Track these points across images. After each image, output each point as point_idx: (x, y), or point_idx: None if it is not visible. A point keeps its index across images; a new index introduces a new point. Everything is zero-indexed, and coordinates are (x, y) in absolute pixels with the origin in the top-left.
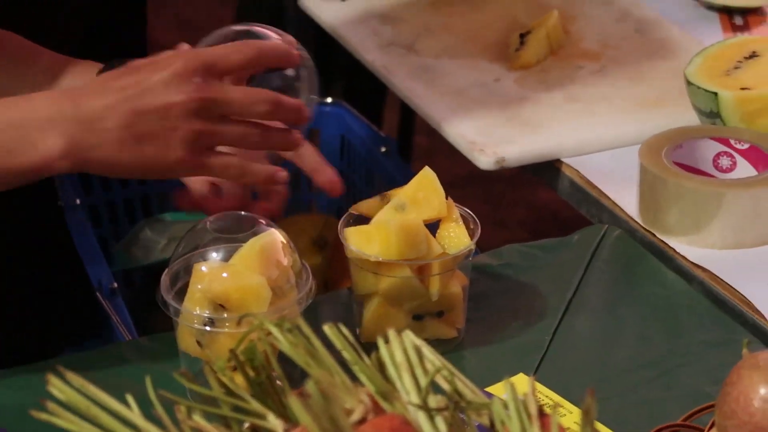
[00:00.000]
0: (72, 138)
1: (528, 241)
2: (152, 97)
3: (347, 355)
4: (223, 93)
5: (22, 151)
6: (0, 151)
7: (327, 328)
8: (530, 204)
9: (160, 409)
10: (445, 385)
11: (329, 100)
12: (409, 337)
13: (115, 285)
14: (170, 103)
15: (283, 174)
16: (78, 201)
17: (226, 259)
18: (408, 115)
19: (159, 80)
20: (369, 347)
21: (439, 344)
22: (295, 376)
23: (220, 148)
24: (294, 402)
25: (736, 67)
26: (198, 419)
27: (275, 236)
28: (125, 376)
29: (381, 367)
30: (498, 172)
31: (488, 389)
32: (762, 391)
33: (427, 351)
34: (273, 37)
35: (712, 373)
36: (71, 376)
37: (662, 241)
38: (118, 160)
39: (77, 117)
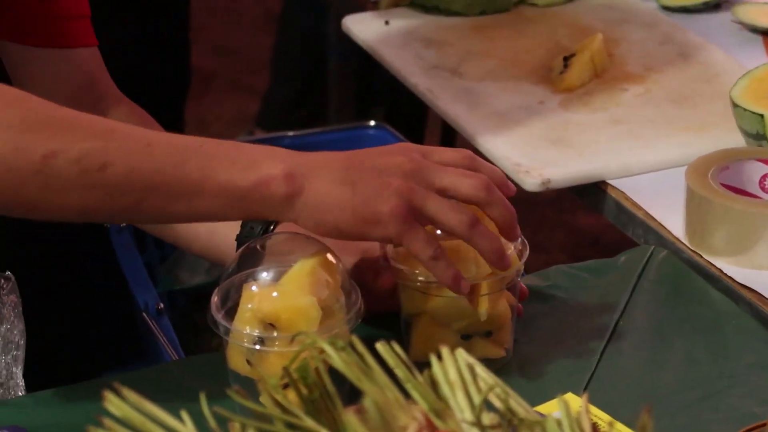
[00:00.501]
0: (292, 167)
1: None
2: (377, 158)
3: (400, 372)
4: (438, 167)
5: (245, 165)
6: (224, 161)
7: (379, 346)
8: (571, 228)
9: (214, 425)
10: (498, 404)
11: (372, 123)
12: (462, 355)
13: (161, 306)
14: (388, 162)
15: (466, 287)
16: (124, 223)
17: (277, 279)
18: (449, 138)
19: (376, 151)
20: (418, 367)
21: (486, 364)
22: (344, 394)
23: None
24: (350, 418)
25: None
26: None
27: (325, 256)
28: (175, 394)
29: (433, 384)
30: (539, 195)
31: (537, 409)
32: None
33: (480, 369)
34: None
35: (759, 393)
36: (127, 392)
37: (709, 261)
38: (331, 196)
39: (298, 156)
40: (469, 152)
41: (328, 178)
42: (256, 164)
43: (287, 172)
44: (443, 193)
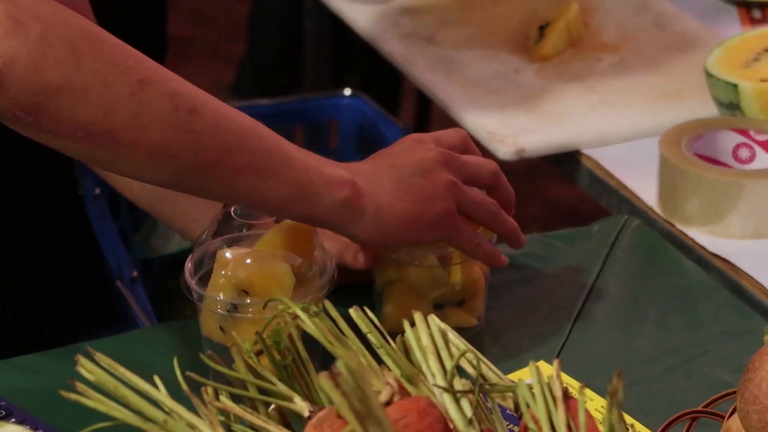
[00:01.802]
0: (354, 175)
1: None
2: (408, 157)
3: (373, 338)
4: (459, 156)
5: (319, 163)
6: (299, 152)
7: (353, 312)
8: (545, 199)
9: (187, 389)
10: (470, 370)
11: (347, 91)
12: (435, 321)
13: (135, 273)
14: (423, 157)
15: (505, 260)
16: (98, 191)
17: (250, 245)
18: (425, 106)
19: (404, 151)
20: (392, 337)
21: (460, 332)
22: (317, 361)
23: None
24: (324, 382)
25: (756, 59)
26: (225, 400)
27: (299, 223)
28: (148, 360)
29: (406, 351)
30: (511, 165)
31: (509, 376)
32: None
33: (452, 335)
34: None
35: (731, 361)
36: (100, 357)
37: (681, 231)
38: (396, 208)
39: (355, 168)
40: (464, 133)
41: (385, 188)
42: (328, 165)
43: (353, 181)
44: (466, 181)
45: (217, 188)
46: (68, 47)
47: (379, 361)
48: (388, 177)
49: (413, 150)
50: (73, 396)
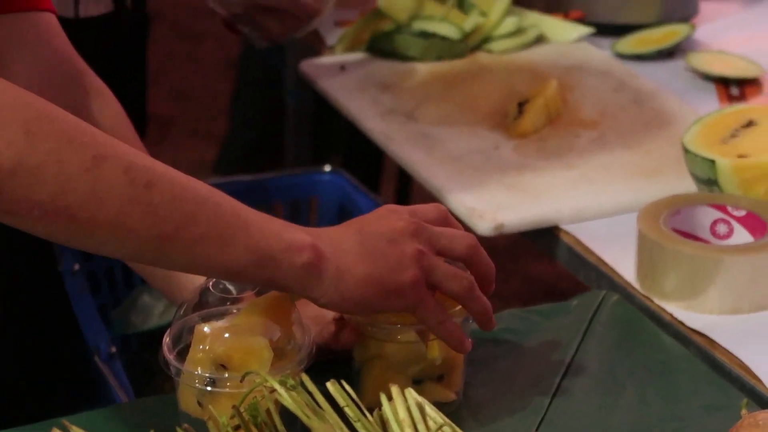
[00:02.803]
0: (316, 239)
1: None
2: (377, 224)
3: (350, 411)
4: (432, 227)
5: (279, 227)
6: (258, 217)
7: (330, 385)
8: (525, 275)
9: None
10: None
11: (327, 168)
12: (412, 394)
13: (114, 349)
14: (393, 226)
15: (469, 345)
16: (77, 266)
17: (229, 319)
18: (405, 182)
19: (374, 219)
20: (370, 412)
21: (438, 407)
22: None
23: None
24: None
25: (733, 136)
26: None
27: (277, 297)
28: None
29: (383, 424)
30: (493, 242)
31: None
32: None
33: (430, 409)
34: None
35: None
36: (76, 430)
37: (660, 306)
38: (357, 271)
39: (315, 231)
40: (443, 208)
41: (348, 252)
42: (288, 229)
43: (314, 244)
44: (440, 253)
45: (177, 259)
46: (21, 127)
47: None
48: (353, 241)
49: (384, 218)
50: None
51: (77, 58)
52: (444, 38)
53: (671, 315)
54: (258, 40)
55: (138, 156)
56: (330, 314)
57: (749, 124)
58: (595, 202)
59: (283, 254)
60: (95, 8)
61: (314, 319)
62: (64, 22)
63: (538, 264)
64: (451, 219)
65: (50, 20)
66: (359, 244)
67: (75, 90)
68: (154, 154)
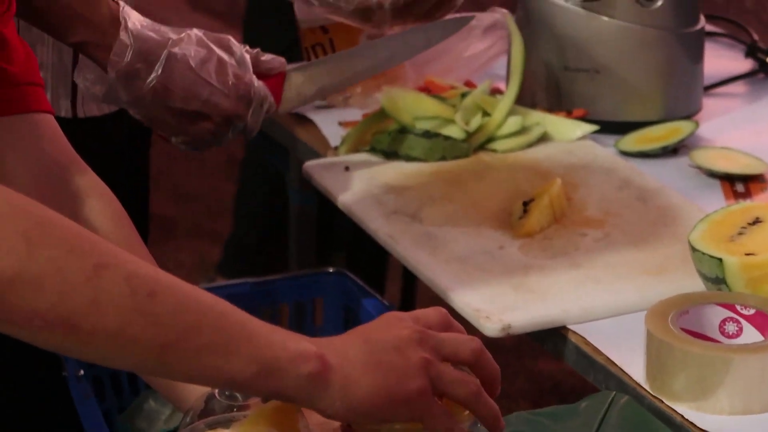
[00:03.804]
0: (321, 349)
1: None
2: (382, 333)
3: None
4: (436, 333)
5: (283, 336)
6: (263, 327)
7: None
8: (532, 374)
9: None
10: None
11: (331, 269)
12: None
13: None
14: (398, 335)
15: None
16: (82, 372)
17: (235, 427)
18: (410, 283)
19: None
20: None
21: None
22: None
23: None
24: None
25: (740, 233)
26: None
27: (283, 404)
28: None
29: None
30: (499, 341)
31: None
32: None
33: None
34: None
35: None
36: None
37: (670, 407)
38: (365, 381)
39: (323, 342)
40: (444, 311)
41: (354, 362)
42: (293, 339)
43: (320, 354)
44: (446, 359)
45: (180, 369)
46: (21, 235)
47: None
48: (359, 351)
49: (389, 326)
50: None
51: (77, 159)
52: (447, 138)
53: (682, 416)
54: (181, 145)
55: (140, 264)
56: (336, 422)
57: (756, 221)
58: (602, 301)
59: (289, 363)
60: (97, 108)
61: (321, 426)
62: (64, 121)
63: (545, 361)
64: (453, 322)
65: (48, 122)
66: (365, 354)
67: (75, 193)
68: (157, 254)
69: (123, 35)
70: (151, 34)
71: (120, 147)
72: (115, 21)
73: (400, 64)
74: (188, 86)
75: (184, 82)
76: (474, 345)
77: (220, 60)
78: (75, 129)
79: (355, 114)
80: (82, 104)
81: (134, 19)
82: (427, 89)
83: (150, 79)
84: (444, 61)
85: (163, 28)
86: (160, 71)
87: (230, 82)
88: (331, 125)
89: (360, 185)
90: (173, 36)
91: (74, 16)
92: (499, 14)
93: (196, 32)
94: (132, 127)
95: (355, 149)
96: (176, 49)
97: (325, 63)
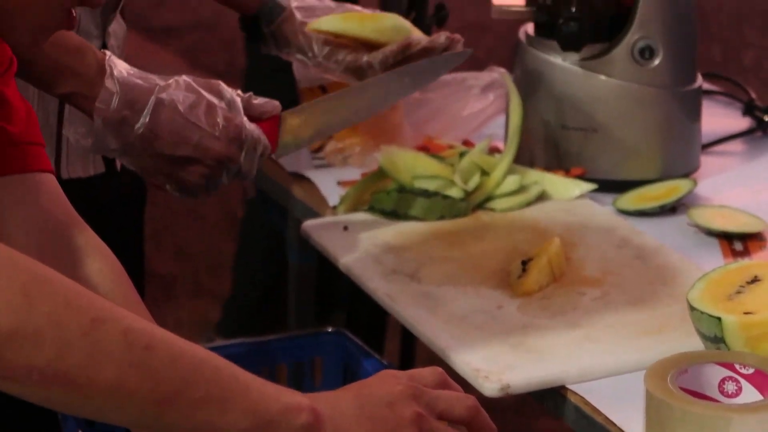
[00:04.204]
0: (314, 402)
1: None
2: (375, 388)
3: None
4: (431, 390)
5: (275, 390)
6: (255, 381)
7: None
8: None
9: None
10: None
11: (330, 329)
12: None
13: None
14: (391, 390)
15: None
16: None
17: None
18: (409, 342)
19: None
20: None
21: None
22: None
23: None
24: None
25: (739, 292)
26: None
27: None
28: None
29: None
30: (498, 401)
31: None
32: None
33: None
34: None
35: None
36: None
37: None
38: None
39: (316, 396)
40: (441, 371)
41: (346, 415)
42: (283, 392)
43: (312, 407)
44: (440, 416)
45: (177, 423)
46: (20, 290)
47: None
48: (352, 404)
49: (383, 383)
50: None
51: (77, 218)
52: (446, 197)
53: None
54: (175, 192)
55: (136, 319)
56: None
57: (754, 280)
58: (601, 361)
59: (282, 416)
60: (82, 169)
61: None
62: None
63: (545, 420)
64: (450, 382)
65: (49, 181)
66: (358, 408)
67: (74, 251)
68: (157, 313)
69: (108, 83)
70: (138, 81)
71: (108, 209)
72: (102, 71)
73: (399, 122)
74: (177, 131)
75: (173, 126)
76: (469, 402)
77: (209, 104)
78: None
79: (353, 173)
80: (66, 165)
81: (120, 67)
82: (426, 148)
83: (137, 125)
84: (442, 120)
85: (151, 76)
86: (147, 118)
87: (220, 125)
88: (329, 184)
89: (359, 244)
90: (160, 82)
91: (62, 68)
92: (497, 73)
93: (184, 78)
94: (121, 189)
95: (354, 208)
96: (164, 95)
97: (320, 104)
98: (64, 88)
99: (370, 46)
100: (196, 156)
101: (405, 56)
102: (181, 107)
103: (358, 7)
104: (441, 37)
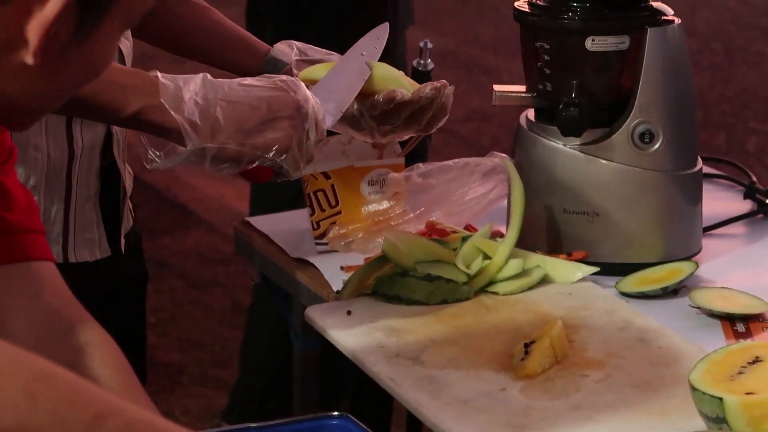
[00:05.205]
0: None
1: None
2: None
3: None
4: None
5: None
6: None
7: None
8: None
9: None
10: None
11: (335, 413)
12: None
13: None
14: None
15: None
16: None
17: None
18: (415, 426)
19: None
20: None
21: None
22: None
23: None
24: None
25: (740, 372)
26: None
27: None
28: None
29: None
30: None
31: None
32: None
33: None
34: None
35: None
36: None
37: None
38: None
39: None
40: None
41: None
42: None
43: None
44: None
45: None
46: (22, 389)
47: None
48: None
49: None
50: None
51: (78, 307)
52: (449, 281)
53: None
54: (274, 166)
55: (139, 412)
56: None
57: (756, 360)
58: None
59: None
60: (89, 254)
61: None
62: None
63: None
64: None
65: (49, 269)
66: None
67: (75, 342)
68: (163, 402)
69: (167, 84)
70: (182, 76)
71: (113, 293)
72: (156, 82)
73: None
74: (244, 96)
75: (238, 93)
76: None
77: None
78: (66, 274)
79: (356, 258)
80: (73, 249)
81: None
82: (428, 233)
83: (212, 108)
84: (445, 205)
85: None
86: (218, 93)
87: (276, 80)
88: (333, 270)
89: (362, 329)
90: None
91: (127, 89)
92: (499, 158)
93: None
94: (125, 273)
95: (357, 293)
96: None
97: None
98: (134, 106)
99: (360, 95)
100: (274, 111)
101: (391, 107)
102: (233, 82)
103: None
104: (426, 88)
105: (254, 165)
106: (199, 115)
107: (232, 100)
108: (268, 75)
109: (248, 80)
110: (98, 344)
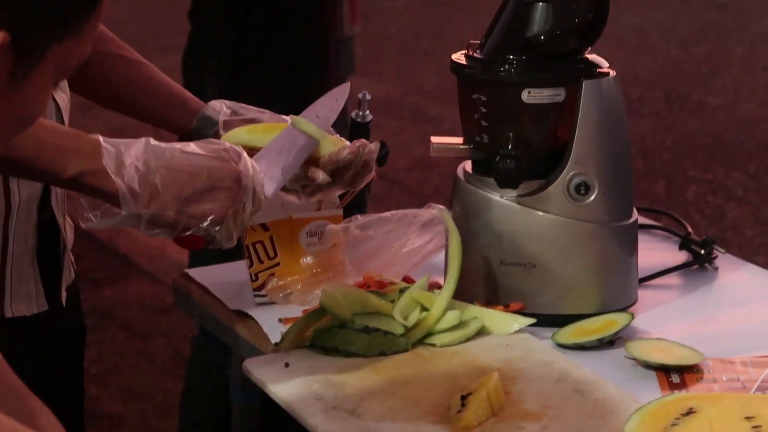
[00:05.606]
0: None
1: None
2: None
3: None
4: None
5: None
6: None
7: None
8: None
9: None
10: None
11: None
12: None
13: None
14: None
15: None
16: None
17: None
18: None
19: None
20: None
21: None
22: None
23: None
24: None
25: (674, 424)
26: None
27: None
28: None
29: None
30: None
31: None
32: None
33: None
34: None
35: None
36: None
37: None
38: None
39: None
40: None
41: None
42: None
43: None
44: None
45: None
46: None
47: None
48: None
49: None
50: None
51: (13, 377)
52: (386, 333)
53: None
54: (209, 236)
55: None
56: None
57: (689, 412)
58: None
59: None
60: (25, 308)
61: None
62: None
63: None
64: None
65: None
66: None
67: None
68: None
69: (109, 148)
70: (123, 140)
71: (50, 347)
72: (97, 144)
73: (340, 260)
74: (185, 164)
75: (180, 162)
76: None
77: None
78: (1, 329)
79: (295, 310)
80: (10, 304)
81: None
82: (367, 285)
83: (152, 176)
84: (383, 256)
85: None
86: (159, 160)
87: (218, 148)
88: (271, 322)
89: (300, 381)
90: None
91: (65, 151)
92: (437, 210)
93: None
94: (64, 327)
95: (295, 345)
96: (153, 142)
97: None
98: (73, 169)
99: None
100: (213, 181)
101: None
102: (175, 148)
103: (286, 118)
104: (344, 151)
105: (188, 233)
106: (138, 182)
107: (172, 168)
108: (212, 141)
109: (191, 146)
110: (38, 414)
